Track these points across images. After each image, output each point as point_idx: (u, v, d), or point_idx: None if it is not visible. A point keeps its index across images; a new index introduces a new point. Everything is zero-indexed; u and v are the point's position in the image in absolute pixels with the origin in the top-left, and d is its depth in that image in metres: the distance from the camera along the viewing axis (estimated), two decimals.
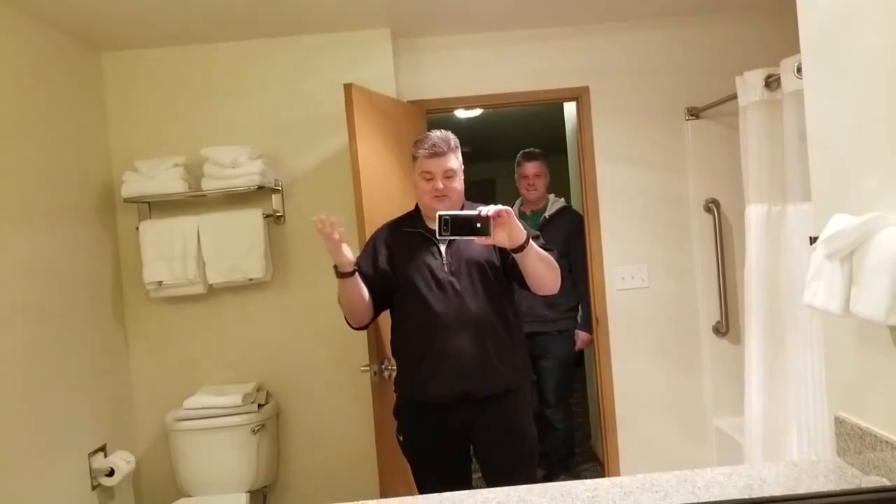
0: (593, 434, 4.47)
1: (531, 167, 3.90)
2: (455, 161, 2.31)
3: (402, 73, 3.35)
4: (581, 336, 3.81)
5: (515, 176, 3.99)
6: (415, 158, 2.33)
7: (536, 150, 3.97)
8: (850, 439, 1.39)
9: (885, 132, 1.25)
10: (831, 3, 1.40)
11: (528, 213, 3.94)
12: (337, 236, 2.12)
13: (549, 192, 4.00)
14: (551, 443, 3.93)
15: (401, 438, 2.41)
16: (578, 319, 3.86)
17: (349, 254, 2.17)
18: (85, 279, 2.93)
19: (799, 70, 2.20)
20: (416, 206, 2.44)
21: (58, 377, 2.68)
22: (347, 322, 2.36)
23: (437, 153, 2.26)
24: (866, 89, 1.30)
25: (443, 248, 2.30)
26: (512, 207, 3.95)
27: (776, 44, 2.44)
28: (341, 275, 2.20)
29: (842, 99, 1.40)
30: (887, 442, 1.27)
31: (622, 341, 3.48)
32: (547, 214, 3.87)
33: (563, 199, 3.99)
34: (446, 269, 2.27)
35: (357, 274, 2.23)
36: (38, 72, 2.74)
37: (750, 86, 2.71)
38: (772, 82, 2.61)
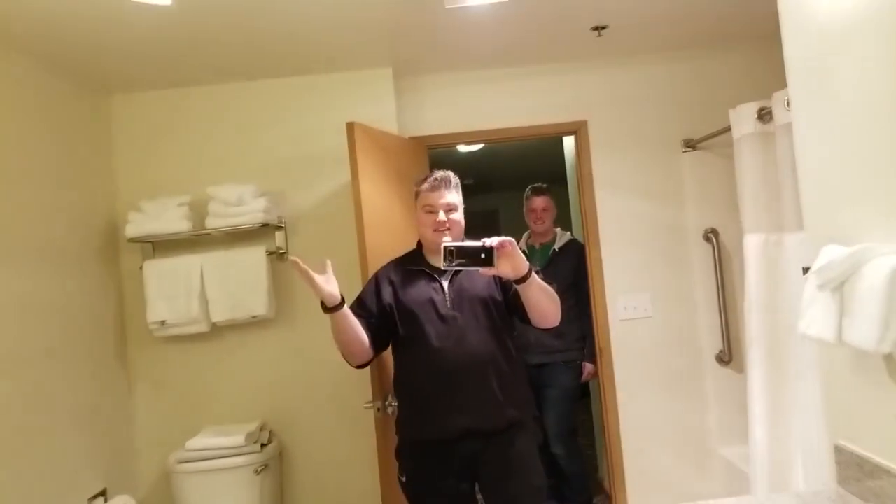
0: (600, 466, 4.44)
1: (539, 201, 3.95)
2: (456, 196, 2.36)
3: (403, 109, 3.41)
4: (587, 368, 3.79)
5: (524, 209, 4.03)
6: (417, 194, 2.39)
7: (544, 185, 4.03)
8: (850, 468, 1.39)
9: (872, 164, 1.28)
10: (816, 40, 1.44)
11: (536, 245, 3.98)
12: (325, 273, 2.13)
13: (556, 226, 4.04)
14: (558, 479, 3.90)
15: (403, 479, 2.37)
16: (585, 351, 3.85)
17: (333, 288, 2.15)
18: (87, 319, 2.94)
19: (789, 104, 2.24)
20: (418, 244, 2.47)
21: (58, 419, 2.66)
22: (346, 360, 2.34)
23: (438, 187, 2.33)
24: (852, 123, 1.34)
25: (445, 284, 2.32)
26: (519, 240, 4.01)
27: (771, 76, 2.48)
28: (328, 309, 2.17)
29: (829, 132, 1.43)
30: (886, 470, 1.27)
31: (626, 371, 3.49)
32: (556, 247, 3.90)
33: (569, 233, 4.03)
34: (449, 305, 2.28)
35: (346, 307, 2.20)
36: (46, 115, 2.79)
37: (743, 118, 2.75)
38: (764, 115, 2.65)
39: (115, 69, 2.97)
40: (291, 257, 2.12)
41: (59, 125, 2.87)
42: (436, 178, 2.34)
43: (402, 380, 2.40)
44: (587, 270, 3.62)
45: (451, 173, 2.38)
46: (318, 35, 2.83)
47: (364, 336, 2.27)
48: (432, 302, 2.29)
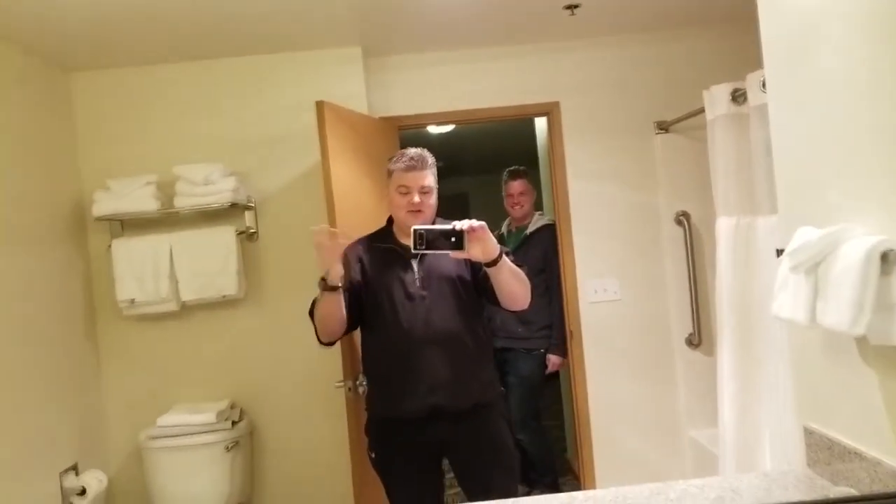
0: (569, 447, 4.48)
1: (516, 185, 3.89)
2: (431, 178, 2.31)
3: (373, 89, 3.36)
4: (552, 360, 3.75)
5: (502, 193, 3.98)
6: (390, 173, 2.33)
7: (521, 168, 3.95)
8: (820, 450, 1.40)
9: (847, 146, 1.28)
10: (793, 21, 1.43)
11: (513, 229, 3.94)
12: (342, 242, 2.14)
13: (537, 209, 3.98)
14: (523, 461, 3.91)
15: (373, 455, 2.39)
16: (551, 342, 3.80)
17: (341, 268, 2.16)
18: (56, 298, 2.90)
19: (764, 85, 2.23)
20: (388, 221, 2.44)
21: (29, 396, 2.65)
22: (318, 337, 2.31)
23: (415, 167, 2.27)
24: (827, 105, 1.33)
25: (415, 263, 2.29)
26: (501, 226, 3.95)
27: (744, 57, 2.47)
28: (330, 288, 2.16)
29: (804, 114, 1.42)
30: (855, 452, 1.28)
31: (596, 354, 3.50)
32: (528, 231, 3.86)
33: (547, 217, 3.96)
34: (418, 285, 2.26)
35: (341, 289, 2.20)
36: (6, 92, 2.70)
37: (717, 100, 2.75)
38: (738, 96, 2.65)
39: (77, 46, 2.88)
40: (318, 226, 2.15)
41: (20, 102, 2.79)
42: (412, 158, 2.28)
43: (370, 359, 2.40)
44: (558, 255, 3.61)
45: (426, 152, 2.33)
46: (286, 13, 2.76)
47: (344, 315, 2.25)
48: (401, 281, 2.28)
